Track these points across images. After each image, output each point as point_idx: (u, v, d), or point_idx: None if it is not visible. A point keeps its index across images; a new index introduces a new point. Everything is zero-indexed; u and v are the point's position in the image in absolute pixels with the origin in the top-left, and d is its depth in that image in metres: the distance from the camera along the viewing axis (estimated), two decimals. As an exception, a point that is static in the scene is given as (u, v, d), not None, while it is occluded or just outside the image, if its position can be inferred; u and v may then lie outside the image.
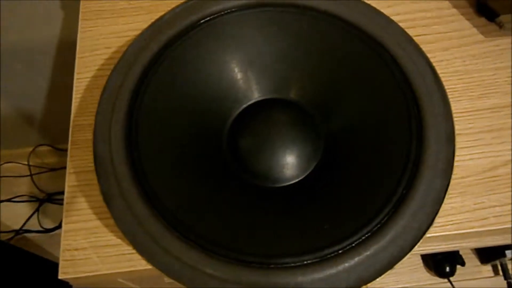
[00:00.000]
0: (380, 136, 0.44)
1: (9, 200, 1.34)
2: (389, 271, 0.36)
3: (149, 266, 0.37)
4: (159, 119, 0.44)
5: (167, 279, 0.41)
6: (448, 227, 0.45)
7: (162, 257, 0.37)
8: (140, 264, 0.44)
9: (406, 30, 0.47)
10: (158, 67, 0.45)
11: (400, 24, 0.47)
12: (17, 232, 1.31)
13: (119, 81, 0.44)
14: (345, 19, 0.46)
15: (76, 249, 0.44)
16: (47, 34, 0.88)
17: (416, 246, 0.37)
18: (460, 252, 0.81)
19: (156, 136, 0.43)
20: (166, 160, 0.43)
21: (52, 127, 1.25)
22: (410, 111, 0.42)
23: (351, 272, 0.36)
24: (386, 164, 0.42)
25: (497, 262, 0.81)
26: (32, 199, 1.36)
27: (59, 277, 0.44)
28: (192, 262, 0.36)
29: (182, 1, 0.48)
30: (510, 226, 0.45)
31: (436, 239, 0.46)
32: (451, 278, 0.80)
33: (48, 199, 1.35)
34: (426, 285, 0.83)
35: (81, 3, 0.58)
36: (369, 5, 0.48)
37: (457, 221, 0.45)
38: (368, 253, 0.36)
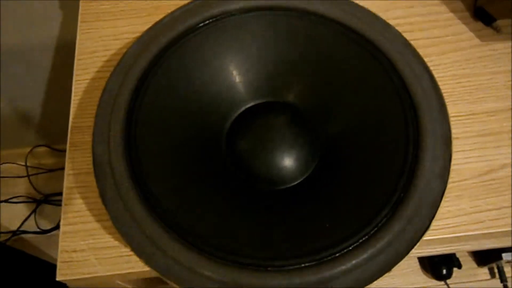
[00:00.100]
0: (378, 140, 0.44)
1: (6, 201, 1.34)
2: (386, 274, 0.37)
3: (147, 268, 0.37)
4: (158, 121, 0.44)
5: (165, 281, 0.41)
6: (444, 230, 0.45)
7: (160, 258, 0.37)
8: (138, 266, 0.44)
9: (404, 34, 0.47)
10: (158, 70, 0.45)
11: (398, 28, 0.47)
12: (14, 233, 1.31)
13: (119, 83, 0.44)
14: (343, 23, 0.46)
15: (74, 251, 0.44)
16: (46, 35, 0.88)
17: (413, 249, 0.37)
18: (457, 255, 0.81)
19: (155, 138, 0.44)
20: (165, 162, 0.43)
21: (49, 128, 1.25)
22: (407, 115, 0.42)
23: (347, 275, 0.36)
24: (383, 168, 0.42)
25: (494, 265, 0.82)
26: (29, 200, 1.35)
27: (57, 279, 0.44)
28: (190, 264, 0.36)
29: (181, 4, 0.48)
30: (506, 229, 0.46)
31: (433, 242, 0.46)
32: (448, 281, 0.81)
33: (46, 200, 1.35)
34: (423, 288, 0.84)
35: (81, 5, 0.58)
36: (366, 9, 0.48)
37: (453, 224, 0.45)
38: (365, 256, 0.36)
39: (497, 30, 0.55)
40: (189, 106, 0.47)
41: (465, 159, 0.49)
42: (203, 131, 0.47)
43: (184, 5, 0.48)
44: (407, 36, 0.47)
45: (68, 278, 0.44)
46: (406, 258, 0.37)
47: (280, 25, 0.48)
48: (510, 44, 0.55)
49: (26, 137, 1.28)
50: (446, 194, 0.39)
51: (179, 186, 0.43)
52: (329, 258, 0.36)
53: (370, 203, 0.40)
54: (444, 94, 0.44)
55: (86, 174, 0.48)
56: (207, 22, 0.47)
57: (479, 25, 0.56)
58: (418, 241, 0.37)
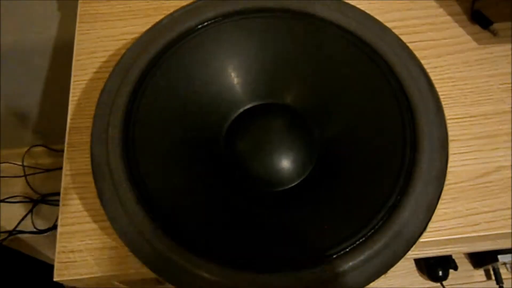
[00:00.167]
0: (375, 142, 0.44)
1: (3, 201, 1.33)
2: (382, 276, 0.37)
3: (145, 269, 0.37)
4: (156, 122, 0.44)
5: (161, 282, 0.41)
6: (441, 232, 0.45)
7: (157, 260, 0.37)
8: (136, 266, 0.44)
9: (401, 36, 0.47)
10: (156, 71, 0.45)
11: (395, 30, 0.48)
12: (11, 232, 1.30)
13: (117, 84, 0.44)
14: (341, 25, 0.47)
15: (72, 251, 0.44)
16: (44, 35, 0.88)
17: (409, 251, 0.37)
18: (453, 257, 0.82)
19: (153, 139, 0.44)
20: (163, 163, 0.44)
21: (47, 128, 1.25)
22: (404, 117, 0.42)
23: (344, 276, 0.36)
24: (381, 170, 0.42)
25: (490, 267, 0.82)
26: (26, 199, 1.35)
27: (54, 279, 0.44)
28: (188, 265, 0.36)
29: (180, 5, 0.48)
30: (502, 231, 0.46)
31: (429, 244, 0.46)
32: (443, 282, 0.81)
33: (42, 200, 1.34)
34: (419, 289, 0.84)
35: (79, 6, 0.58)
36: (364, 12, 0.48)
37: (449, 227, 0.46)
38: (362, 258, 0.36)
39: (494, 33, 0.56)
40: (188, 107, 0.47)
41: (461, 162, 0.49)
42: (201, 133, 0.47)
43: (184, 7, 0.48)
44: (404, 38, 0.47)
45: (65, 278, 0.44)
46: (402, 259, 0.37)
47: (279, 27, 0.48)
48: (507, 47, 0.55)
49: (23, 137, 1.28)
50: (443, 196, 0.40)
51: (177, 187, 0.43)
52: (326, 260, 0.36)
53: (367, 205, 0.40)
54: (441, 97, 0.44)
55: (84, 174, 0.48)
56: (206, 23, 0.47)
57: (476, 28, 0.57)
58: (414, 243, 0.37)
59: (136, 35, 0.54)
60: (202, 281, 0.36)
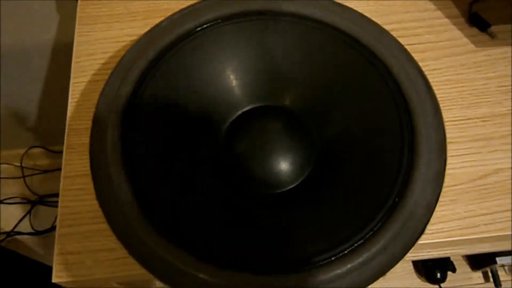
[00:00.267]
0: (373, 144, 0.44)
1: (1, 202, 1.33)
2: (380, 278, 0.37)
3: (143, 271, 0.37)
4: (156, 124, 0.44)
5: (158, 283, 0.41)
6: (439, 234, 0.46)
7: (156, 262, 0.37)
8: (134, 268, 0.44)
9: (399, 39, 0.47)
10: (156, 72, 0.45)
11: (393, 33, 0.48)
12: (9, 234, 1.30)
13: (117, 86, 0.44)
14: (339, 28, 0.47)
15: (70, 253, 0.44)
16: (43, 36, 0.88)
17: (408, 253, 0.37)
18: (451, 259, 0.82)
19: (153, 141, 0.44)
20: (162, 165, 0.44)
21: (45, 129, 1.25)
22: (402, 119, 0.42)
23: (343, 279, 0.36)
24: (379, 172, 0.42)
25: (488, 269, 0.82)
26: (24, 200, 1.35)
27: (53, 281, 0.44)
28: (186, 267, 0.36)
29: (179, 8, 0.48)
30: (500, 234, 0.46)
31: (427, 246, 0.46)
32: (442, 284, 0.81)
33: (40, 201, 1.34)
34: (417, 291, 0.84)
35: (78, 7, 0.58)
36: (362, 15, 0.48)
37: (448, 229, 0.46)
38: (360, 260, 0.36)
39: (492, 35, 0.56)
40: (187, 109, 0.47)
41: (459, 164, 0.49)
42: (199, 135, 0.47)
43: (183, 9, 0.48)
44: (402, 41, 0.47)
45: (64, 280, 0.44)
46: (400, 262, 0.37)
47: (277, 29, 0.48)
48: (505, 49, 0.56)
49: (22, 138, 1.28)
50: (441, 198, 0.40)
51: (175, 189, 0.43)
52: (325, 262, 0.36)
53: (366, 207, 0.40)
54: (439, 99, 0.44)
55: (83, 176, 0.48)
56: (205, 26, 0.47)
57: (474, 30, 0.57)
58: (413, 245, 0.37)
59: (135, 37, 0.54)
60: (200, 282, 0.36)
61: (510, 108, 0.52)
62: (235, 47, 0.48)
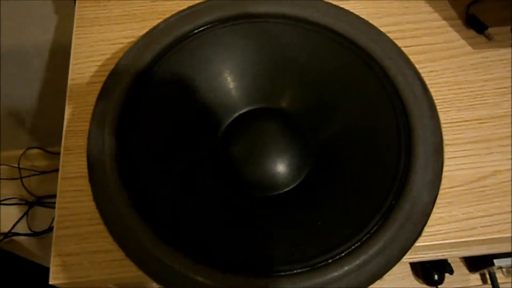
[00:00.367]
0: (370, 147, 0.44)
1: (-2, 203, 1.33)
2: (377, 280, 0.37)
3: (140, 273, 0.37)
4: (152, 126, 0.45)
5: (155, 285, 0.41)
6: (436, 236, 0.46)
7: (153, 264, 0.37)
8: (132, 270, 0.44)
9: (396, 41, 0.47)
10: (153, 75, 0.45)
11: (390, 35, 0.48)
12: (6, 235, 1.30)
13: (114, 88, 0.44)
14: (336, 30, 0.47)
15: (67, 255, 0.44)
16: (41, 37, 0.88)
17: (405, 256, 0.37)
18: (449, 261, 0.82)
19: (149, 143, 0.44)
20: (158, 167, 0.44)
21: (43, 130, 1.25)
22: (399, 121, 0.42)
23: (340, 281, 0.36)
24: (376, 175, 0.42)
25: (486, 271, 0.82)
26: (21, 202, 1.35)
27: (50, 283, 0.44)
28: (184, 270, 0.36)
29: (176, 10, 0.48)
30: (497, 236, 0.46)
31: (424, 248, 0.46)
32: (439, 286, 0.81)
33: (38, 202, 1.34)
34: (415, 293, 0.84)
35: (76, 9, 0.58)
36: (359, 17, 0.49)
37: (445, 231, 0.46)
38: (357, 262, 0.36)
39: (489, 38, 0.56)
40: (184, 111, 0.47)
41: (456, 166, 0.49)
42: (197, 137, 0.47)
43: (180, 12, 0.48)
44: (399, 43, 0.47)
45: (61, 282, 0.44)
46: (397, 264, 0.37)
47: (274, 32, 0.48)
48: (502, 51, 0.56)
49: (19, 139, 1.28)
50: (438, 200, 0.40)
51: (172, 192, 0.43)
52: (322, 264, 0.36)
53: (363, 210, 0.40)
54: (436, 101, 0.44)
55: (80, 178, 0.48)
56: (202, 28, 0.47)
57: (471, 32, 0.57)
58: (410, 247, 0.37)
59: (133, 39, 0.54)
60: (198, 285, 0.36)
61: (507, 110, 0.52)
62: (232, 49, 0.48)
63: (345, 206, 0.42)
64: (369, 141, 0.45)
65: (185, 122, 0.47)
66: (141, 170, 0.42)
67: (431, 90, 0.45)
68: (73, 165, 0.48)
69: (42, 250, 1.31)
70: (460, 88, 0.53)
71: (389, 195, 0.39)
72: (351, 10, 0.49)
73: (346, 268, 0.36)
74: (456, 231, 0.46)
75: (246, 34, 0.48)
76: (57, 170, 0.48)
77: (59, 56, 0.93)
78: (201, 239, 0.40)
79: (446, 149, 0.47)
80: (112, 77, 0.45)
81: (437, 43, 0.56)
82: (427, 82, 0.45)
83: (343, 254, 0.37)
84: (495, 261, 0.76)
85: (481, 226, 0.46)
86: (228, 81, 0.49)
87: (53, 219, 0.44)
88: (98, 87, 0.45)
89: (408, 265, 0.85)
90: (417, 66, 0.46)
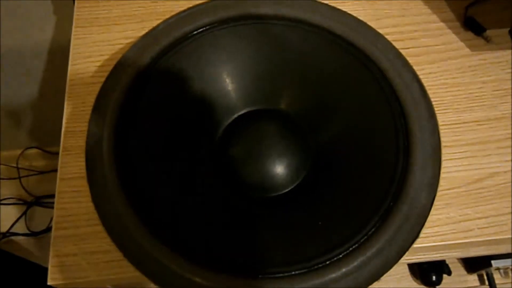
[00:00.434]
0: (368, 148, 0.44)
1: (-4, 203, 1.33)
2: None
3: (138, 273, 0.37)
4: (151, 126, 0.45)
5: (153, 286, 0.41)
6: (434, 238, 0.46)
7: (151, 264, 0.37)
8: (129, 270, 0.44)
9: (394, 43, 0.47)
10: (152, 76, 0.45)
11: (388, 37, 0.48)
12: (4, 235, 1.30)
13: (113, 89, 0.44)
14: (335, 32, 0.47)
15: (66, 255, 0.44)
16: (40, 38, 0.88)
17: (403, 257, 0.37)
18: (447, 261, 0.82)
19: (148, 143, 0.44)
20: (157, 167, 0.44)
21: (41, 130, 1.25)
22: (397, 124, 0.42)
23: (338, 282, 0.36)
24: (374, 176, 0.42)
25: (483, 272, 0.82)
26: (20, 202, 1.35)
27: (48, 283, 0.44)
28: (181, 271, 0.36)
29: (175, 11, 0.48)
30: (495, 237, 0.46)
31: (422, 249, 0.46)
32: (437, 287, 0.81)
33: (36, 202, 1.34)
34: (412, 294, 0.84)
35: (75, 10, 0.58)
36: (358, 19, 0.49)
37: (442, 232, 0.46)
38: (355, 264, 0.36)
39: (487, 39, 0.56)
40: (182, 112, 0.47)
41: (454, 168, 0.49)
42: (195, 139, 0.47)
43: (179, 12, 0.48)
44: (397, 45, 0.47)
45: (59, 282, 0.44)
46: (395, 265, 0.37)
47: (273, 33, 0.48)
48: (500, 53, 0.56)
49: (18, 138, 1.27)
50: (436, 202, 0.40)
51: (170, 193, 0.43)
52: (320, 266, 0.37)
53: (361, 211, 0.40)
54: (433, 103, 0.44)
55: (79, 178, 0.48)
56: (201, 29, 0.47)
57: (470, 34, 0.57)
58: (407, 249, 0.38)
59: (132, 40, 0.54)
60: (195, 286, 0.36)
61: (505, 112, 0.52)
62: (231, 50, 0.48)
63: (343, 207, 0.43)
64: (367, 142, 0.45)
65: (184, 122, 0.47)
66: (139, 171, 0.42)
67: (429, 92, 0.45)
68: (71, 166, 0.48)
69: (41, 250, 1.31)
70: (458, 90, 0.53)
71: (387, 197, 0.39)
72: (350, 12, 0.49)
73: (344, 269, 0.36)
74: (454, 232, 0.46)
75: (245, 35, 0.48)
76: (55, 170, 0.48)
77: (58, 56, 0.93)
78: (199, 240, 0.40)
79: (444, 150, 0.47)
80: (111, 78, 0.45)
81: (435, 45, 0.56)
82: (425, 84, 0.45)
83: (341, 256, 0.37)
84: (492, 262, 0.76)
85: (478, 228, 0.46)
86: (227, 82, 0.49)
87: (51, 219, 0.44)
88: (97, 87, 0.45)
89: (406, 266, 0.85)
90: (415, 67, 0.46)
